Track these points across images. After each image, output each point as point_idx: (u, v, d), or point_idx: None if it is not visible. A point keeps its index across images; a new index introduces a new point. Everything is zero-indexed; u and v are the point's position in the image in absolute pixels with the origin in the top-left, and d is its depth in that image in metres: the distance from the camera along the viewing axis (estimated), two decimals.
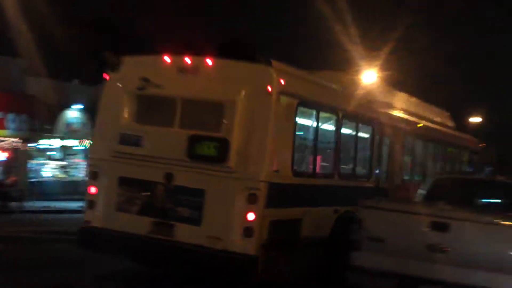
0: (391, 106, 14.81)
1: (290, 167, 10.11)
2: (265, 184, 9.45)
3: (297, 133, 10.45)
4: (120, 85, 10.50)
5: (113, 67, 10.61)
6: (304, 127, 10.97)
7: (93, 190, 10.51)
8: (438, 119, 18.29)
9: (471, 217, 8.74)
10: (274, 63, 9.75)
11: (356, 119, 12.38)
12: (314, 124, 10.96)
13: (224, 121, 9.72)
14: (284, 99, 9.81)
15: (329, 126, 11.62)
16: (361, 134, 12.78)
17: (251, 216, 9.36)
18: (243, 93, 9.61)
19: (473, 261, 8.34)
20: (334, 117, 11.57)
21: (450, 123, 19.63)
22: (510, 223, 8.53)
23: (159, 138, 10.09)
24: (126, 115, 10.38)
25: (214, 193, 9.66)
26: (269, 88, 9.54)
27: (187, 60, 10.10)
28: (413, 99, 16.74)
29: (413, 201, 11.37)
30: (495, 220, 8.66)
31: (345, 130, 12.04)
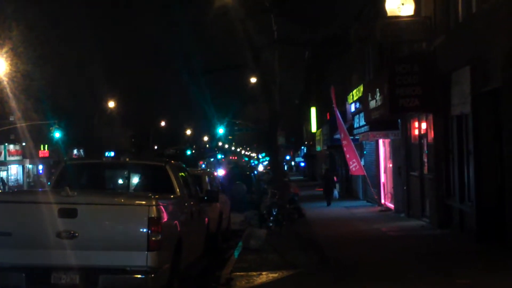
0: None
1: None
2: None
3: None
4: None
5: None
6: None
7: None
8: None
9: (95, 200, 8.90)
10: None
11: None
12: None
13: None
14: None
15: None
16: None
17: None
18: None
19: (101, 242, 8.50)
20: None
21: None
22: (128, 201, 8.92)
23: None
24: None
25: None
26: None
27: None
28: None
29: (40, 190, 11.10)
30: (115, 200, 8.99)
31: None
